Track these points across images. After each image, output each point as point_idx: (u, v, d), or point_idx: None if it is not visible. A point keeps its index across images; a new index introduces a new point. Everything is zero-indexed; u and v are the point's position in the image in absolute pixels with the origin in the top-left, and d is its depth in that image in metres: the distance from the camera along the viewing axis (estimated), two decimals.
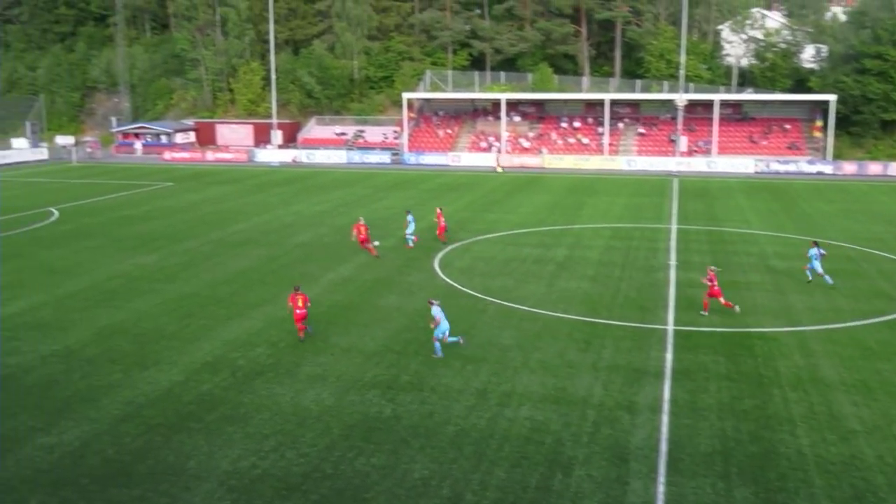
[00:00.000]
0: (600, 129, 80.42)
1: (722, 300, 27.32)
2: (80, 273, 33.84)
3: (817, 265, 31.23)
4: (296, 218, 47.24)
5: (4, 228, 44.38)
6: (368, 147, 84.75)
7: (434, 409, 19.73)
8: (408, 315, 27.34)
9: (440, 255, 36.75)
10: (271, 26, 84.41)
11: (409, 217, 38.48)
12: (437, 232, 39.48)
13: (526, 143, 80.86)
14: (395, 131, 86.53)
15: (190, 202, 54.07)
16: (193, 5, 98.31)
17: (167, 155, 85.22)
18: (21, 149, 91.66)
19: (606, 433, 18.45)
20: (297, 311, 24.63)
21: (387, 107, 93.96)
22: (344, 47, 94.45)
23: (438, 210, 40.46)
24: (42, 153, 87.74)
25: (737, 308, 27.43)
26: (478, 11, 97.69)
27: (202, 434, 18.43)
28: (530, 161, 77.06)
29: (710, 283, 27.28)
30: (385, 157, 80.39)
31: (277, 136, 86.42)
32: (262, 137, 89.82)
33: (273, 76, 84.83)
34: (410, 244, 37.88)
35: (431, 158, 78.77)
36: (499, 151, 78.44)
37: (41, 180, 68.24)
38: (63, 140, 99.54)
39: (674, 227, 44.42)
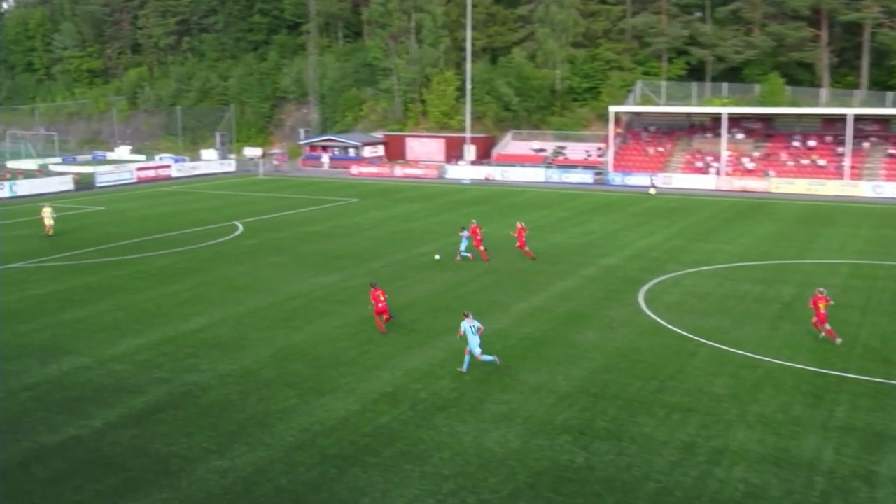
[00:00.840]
0: (840, 150, 76.35)
1: (827, 327, 27.85)
2: (261, 290, 35.83)
3: None
4: (487, 241, 47.77)
5: (190, 242, 47.79)
6: (569, 165, 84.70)
7: (633, 462, 19.28)
8: (607, 354, 26.95)
9: (646, 287, 36.05)
10: (468, 33, 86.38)
11: (464, 233, 42.02)
12: (518, 245, 42.65)
13: (749, 164, 78.05)
14: (600, 148, 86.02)
15: (376, 220, 56.04)
16: (388, 12, 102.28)
17: (354, 169, 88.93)
18: (210, 160, 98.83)
19: None
20: (379, 305, 28.97)
21: (591, 121, 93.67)
22: (546, 55, 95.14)
23: (519, 225, 43.19)
24: (230, 165, 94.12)
25: (838, 340, 27.44)
26: (698, 14, 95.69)
27: (378, 469, 18.91)
28: (754, 185, 74.28)
29: (816, 308, 28.17)
30: (587, 177, 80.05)
31: (470, 151, 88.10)
32: (453, 152, 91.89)
33: (468, 86, 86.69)
34: (459, 258, 41.73)
35: (639, 179, 77.60)
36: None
37: (227, 193, 73.02)
38: (251, 152, 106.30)
39: None
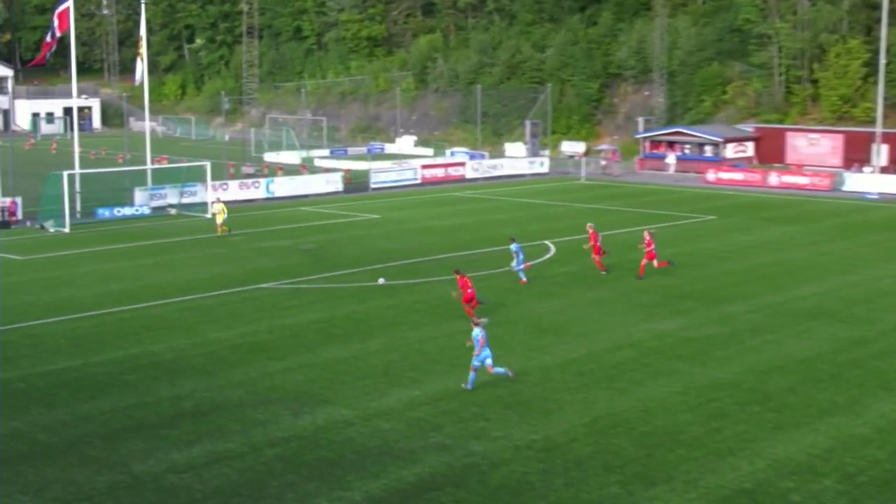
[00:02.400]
0: None
1: None
2: (574, 335, 36.33)
3: None
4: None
5: (485, 265, 49.05)
6: None
7: None
8: None
9: None
10: None
11: (514, 247, 45.41)
12: (646, 260, 46.24)
13: None
14: None
15: (736, 246, 55.11)
16: None
17: (711, 175, 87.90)
18: (516, 157, 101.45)
19: None
20: (468, 292, 36.86)
21: None
22: None
23: (648, 235, 46.45)
24: (542, 165, 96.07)
25: None
26: None
27: None
28: None
29: None
30: None
31: (881, 152, 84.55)
32: (855, 154, 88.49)
33: (882, 61, 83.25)
34: (524, 279, 45.30)
35: None
36: None
37: (537, 202, 74.71)
38: (570, 147, 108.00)
39: None
